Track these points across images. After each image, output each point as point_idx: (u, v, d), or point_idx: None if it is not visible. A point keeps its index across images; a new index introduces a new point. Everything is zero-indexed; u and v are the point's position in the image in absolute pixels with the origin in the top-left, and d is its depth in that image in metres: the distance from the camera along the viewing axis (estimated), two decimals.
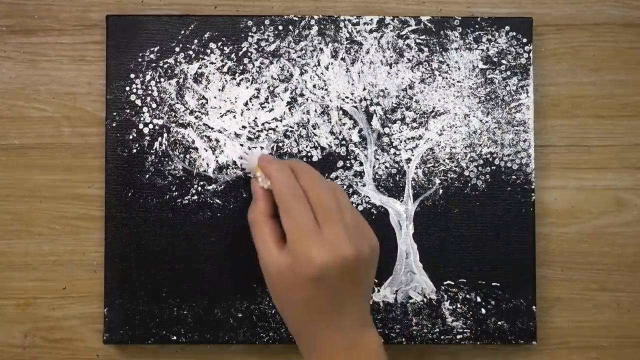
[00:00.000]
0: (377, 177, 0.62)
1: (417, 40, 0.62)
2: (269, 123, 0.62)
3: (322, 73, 0.62)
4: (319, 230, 0.50)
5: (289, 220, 0.51)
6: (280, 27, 0.62)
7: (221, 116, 0.62)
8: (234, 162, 0.62)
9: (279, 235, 0.53)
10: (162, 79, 0.62)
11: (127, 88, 0.61)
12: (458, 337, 0.61)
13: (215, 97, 0.62)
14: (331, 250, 0.50)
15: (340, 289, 0.51)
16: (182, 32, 0.62)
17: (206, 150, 0.62)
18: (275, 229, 0.53)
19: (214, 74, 0.62)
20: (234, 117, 0.62)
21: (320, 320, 0.52)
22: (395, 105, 0.62)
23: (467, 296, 0.62)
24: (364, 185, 0.62)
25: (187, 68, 0.62)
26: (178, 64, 0.62)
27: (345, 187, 0.62)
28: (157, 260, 0.61)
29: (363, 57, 0.62)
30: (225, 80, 0.62)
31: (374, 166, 0.62)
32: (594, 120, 0.64)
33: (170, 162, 0.61)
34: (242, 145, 0.61)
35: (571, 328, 0.64)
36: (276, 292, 0.53)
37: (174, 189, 0.61)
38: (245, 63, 0.62)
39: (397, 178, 0.62)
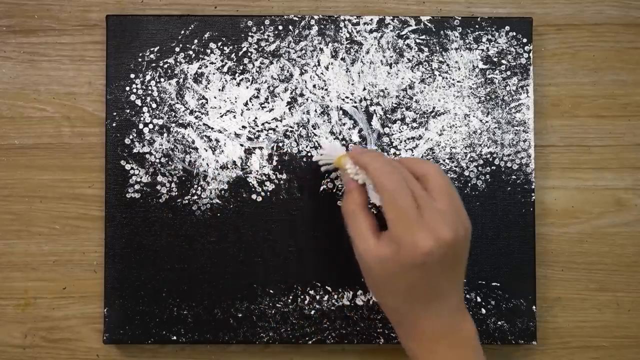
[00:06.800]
0: None
1: (417, 40, 0.62)
2: (269, 123, 0.62)
3: (322, 73, 0.62)
4: (421, 216, 0.50)
5: (394, 209, 0.50)
6: (280, 27, 0.62)
7: (221, 116, 0.62)
8: (234, 162, 0.62)
9: (376, 225, 0.52)
10: (162, 79, 0.62)
11: (127, 88, 0.61)
12: None
13: (215, 97, 0.62)
14: (433, 234, 0.49)
15: (440, 273, 0.51)
16: (182, 32, 0.62)
17: (206, 150, 0.62)
18: (371, 220, 0.53)
19: (214, 74, 0.62)
20: (234, 117, 0.62)
21: (420, 308, 0.52)
22: (395, 105, 0.62)
23: (467, 296, 0.62)
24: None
25: (187, 68, 0.62)
26: (178, 64, 0.62)
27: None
28: (157, 260, 0.61)
29: (363, 57, 0.62)
30: (225, 80, 0.62)
31: None
32: (594, 120, 0.64)
33: (170, 162, 0.61)
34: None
35: (571, 328, 0.64)
36: (376, 282, 0.52)
37: (174, 189, 0.61)
38: (245, 63, 0.62)
39: None
